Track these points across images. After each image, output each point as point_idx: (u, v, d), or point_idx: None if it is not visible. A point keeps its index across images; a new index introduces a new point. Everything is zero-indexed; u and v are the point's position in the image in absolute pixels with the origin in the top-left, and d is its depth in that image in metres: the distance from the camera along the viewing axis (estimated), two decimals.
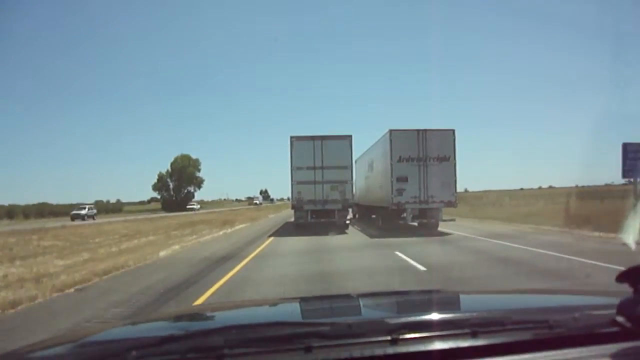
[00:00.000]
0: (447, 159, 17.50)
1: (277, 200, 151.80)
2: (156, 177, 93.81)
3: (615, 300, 1.43)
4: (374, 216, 23.26)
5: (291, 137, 19.86)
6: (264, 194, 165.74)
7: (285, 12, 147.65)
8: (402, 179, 17.42)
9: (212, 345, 1.31)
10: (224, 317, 2.07)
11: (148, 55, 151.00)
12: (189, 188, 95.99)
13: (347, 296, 2.75)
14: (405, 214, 17.89)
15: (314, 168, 19.35)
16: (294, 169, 19.67)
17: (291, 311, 2.25)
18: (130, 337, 1.62)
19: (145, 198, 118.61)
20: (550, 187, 41.39)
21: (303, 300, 2.68)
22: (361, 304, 2.32)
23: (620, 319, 1.37)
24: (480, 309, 1.93)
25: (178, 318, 2.21)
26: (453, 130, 17.73)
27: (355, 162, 28.15)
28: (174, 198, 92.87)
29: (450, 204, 17.72)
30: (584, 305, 1.77)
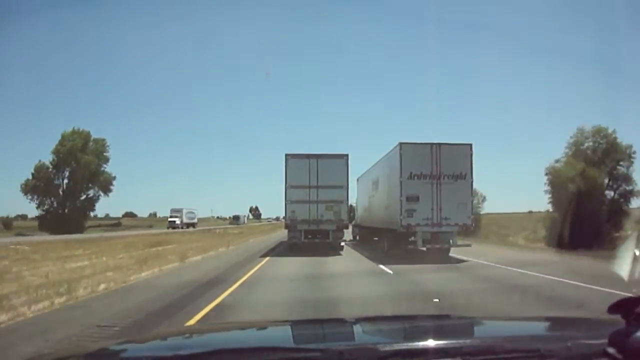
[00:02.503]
0: (463, 177, 15.74)
1: (248, 219, 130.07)
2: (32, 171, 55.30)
3: (607, 330, 1.43)
4: (376, 239, 21.41)
5: (286, 155, 19.43)
6: (254, 212, 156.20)
7: (276, 29, 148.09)
8: (413, 199, 15.59)
9: None
10: (215, 340, 2.07)
11: (136, 70, 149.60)
12: (89, 192, 58.49)
13: (341, 320, 2.94)
14: (414, 238, 16.02)
15: (309, 187, 18.81)
16: (288, 187, 19.12)
17: (284, 335, 2.20)
18: (123, 357, 1.72)
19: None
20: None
21: (296, 323, 2.71)
22: (354, 329, 2.35)
23: (611, 350, 1.35)
24: (473, 336, 2.03)
25: (170, 339, 2.24)
26: (470, 145, 16.02)
27: (357, 180, 26.72)
28: (60, 211, 55.31)
29: (466, 227, 15.90)
30: (576, 334, 1.80)
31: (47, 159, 55.80)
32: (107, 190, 59.79)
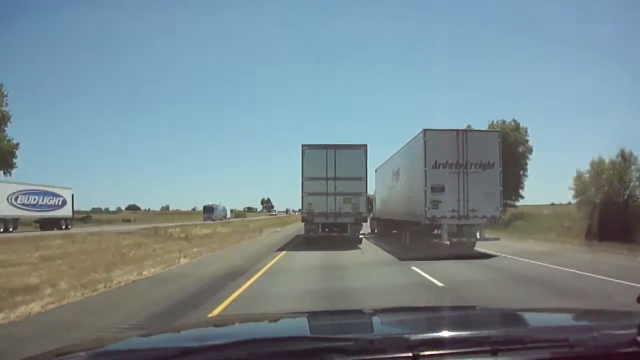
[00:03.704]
0: (492, 166, 14.73)
1: (258, 211, 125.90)
2: None
3: (637, 321, 1.42)
4: (395, 232, 20.58)
5: (303, 146, 18.88)
6: (266, 204, 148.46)
7: (292, 24, 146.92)
8: (438, 189, 14.64)
9: (234, 359, 1.31)
10: (242, 330, 2.07)
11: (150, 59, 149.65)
12: None
13: (367, 311, 2.78)
14: (439, 231, 15.12)
15: (326, 179, 18.31)
16: (305, 179, 18.59)
17: (310, 326, 2.20)
18: (149, 348, 1.65)
19: None
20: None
21: (322, 314, 2.75)
22: (380, 319, 2.35)
23: None
24: (499, 326, 1.99)
25: (195, 330, 2.23)
26: (499, 132, 15.14)
27: (376, 171, 25.87)
28: None
29: (494, 220, 14.91)
30: (604, 324, 1.77)
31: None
32: (6, 165, 37.65)
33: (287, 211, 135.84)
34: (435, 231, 15.54)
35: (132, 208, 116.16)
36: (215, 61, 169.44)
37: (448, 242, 15.34)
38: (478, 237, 15.05)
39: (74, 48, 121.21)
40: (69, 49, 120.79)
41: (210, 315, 6.25)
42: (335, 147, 18.69)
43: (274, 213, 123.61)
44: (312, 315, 2.62)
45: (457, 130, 14.90)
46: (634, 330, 1.37)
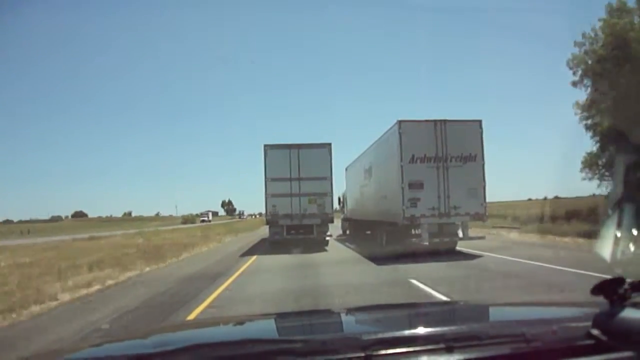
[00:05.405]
0: (474, 159, 13.56)
1: (215, 216, 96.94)
2: None
3: (592, 312, 1.41)
4: (369, 232, 19.29)
5: (265, 146, 18.12)
6: (227, 207, 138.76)
7: (252, 14, 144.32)
8: (416, 186, 13.36)
9: None
10: (199, 335, 2.01)
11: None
12: None
13: (327, 312, 2.87)
14: (418, 231, 13.85)
15: (290, 179, 17.66)
16: (268, 180, 17.85)
17: (269, 328, 2.18)
18: (99, 357, 1.64)
19: None
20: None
21: (283, 316, 2.73)
22: (339, 319, 2.33)
23: (595, 331, 1.33)
24: (457, 322, 1.98)
25: (154, 336, 2.11)
26: (480, 122, 13.87)
27: (346, 169, 24.55)
28: None
29: (478, 217, 13.72)
30: (561, 317, 1.76)
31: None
32: None
33: (240, 215, 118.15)
34: (414, 231, 14.31)
35: (79, 215, 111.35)
36: (171, 62, 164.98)
37: (427, 243, 14.06)
38: (461, 236, 13.89)
39: None
40: None
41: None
42: (299, 146, 17.98)
43: (205, 218, 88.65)
44: (280, 317, 2.60)
45: (435, 121, 13.61)
46: (589, 323, 1.35)
